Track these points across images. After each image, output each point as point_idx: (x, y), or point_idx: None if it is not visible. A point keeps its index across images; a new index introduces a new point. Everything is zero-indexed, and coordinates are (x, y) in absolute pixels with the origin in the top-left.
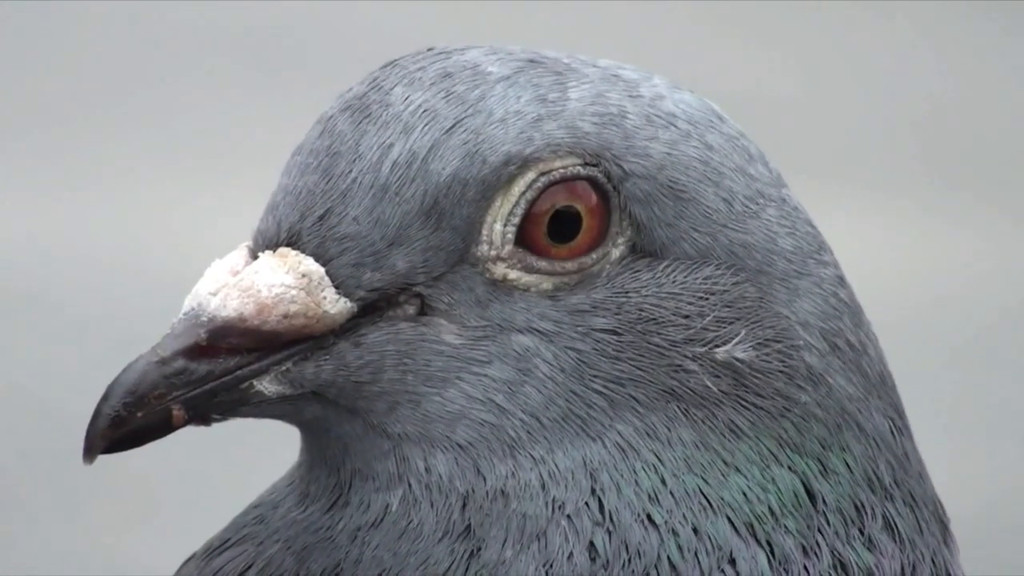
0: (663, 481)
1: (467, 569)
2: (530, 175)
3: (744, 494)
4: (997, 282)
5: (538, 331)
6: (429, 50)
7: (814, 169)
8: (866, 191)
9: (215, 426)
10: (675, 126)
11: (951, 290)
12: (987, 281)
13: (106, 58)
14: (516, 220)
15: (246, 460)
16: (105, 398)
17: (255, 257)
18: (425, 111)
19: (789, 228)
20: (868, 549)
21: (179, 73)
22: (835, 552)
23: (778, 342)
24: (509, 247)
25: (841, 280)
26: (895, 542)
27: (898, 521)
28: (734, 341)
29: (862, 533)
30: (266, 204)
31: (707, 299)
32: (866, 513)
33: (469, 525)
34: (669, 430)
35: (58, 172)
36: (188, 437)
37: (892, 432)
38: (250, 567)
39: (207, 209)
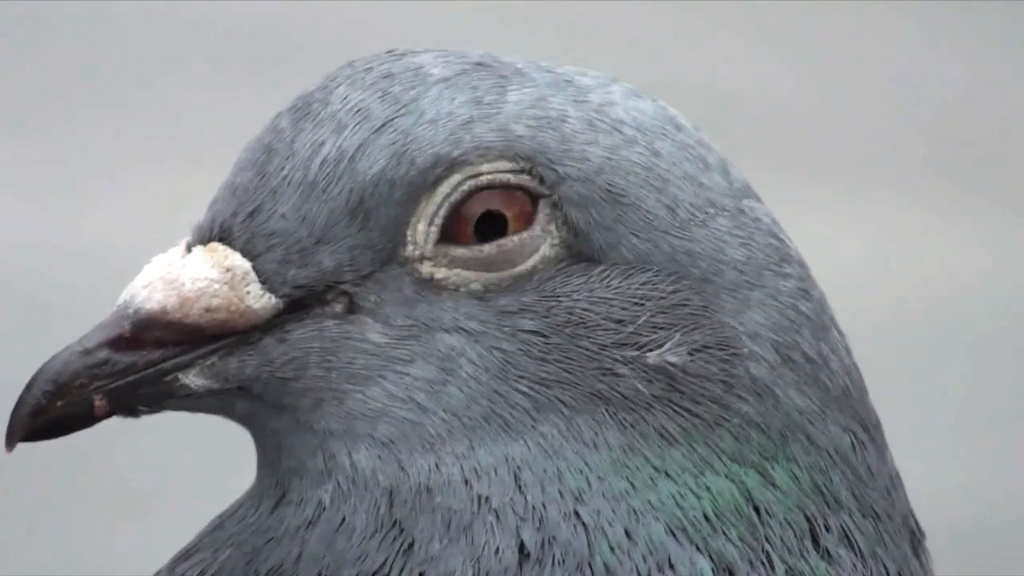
0: (588, 482)
1: (404, 564)
2: (456, 177)
3: (675, 499)
4: (1002, 282)
5: (464, 330)
6: (389, 52)
7: (813, 169)
8: (867, 191)
9: (206, 426)
10: (620, 132)
11: (955, 290)
12: (992, 280)
13: (110, 57)
14: (439, 221)
15: (236, 461)
16: (28, 387)
17: (190, 252)
18: (359, 110)
19: (743, 239)
20: (825, 561)
21: (182, 73)
22: (787, 564)
23: (720, 349)
24: (431, 246)
25: (804, 293)
26: (855, 555)
27: (856, 534)
28: (667, 346)
29: (817, 545)
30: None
31: (641, 304)
32: (818, 525)
33: (397, 520)
34: (596, 433)
35: (56, 171)
36: (180, 438)
37: (852, 445)
38: (203, 573)
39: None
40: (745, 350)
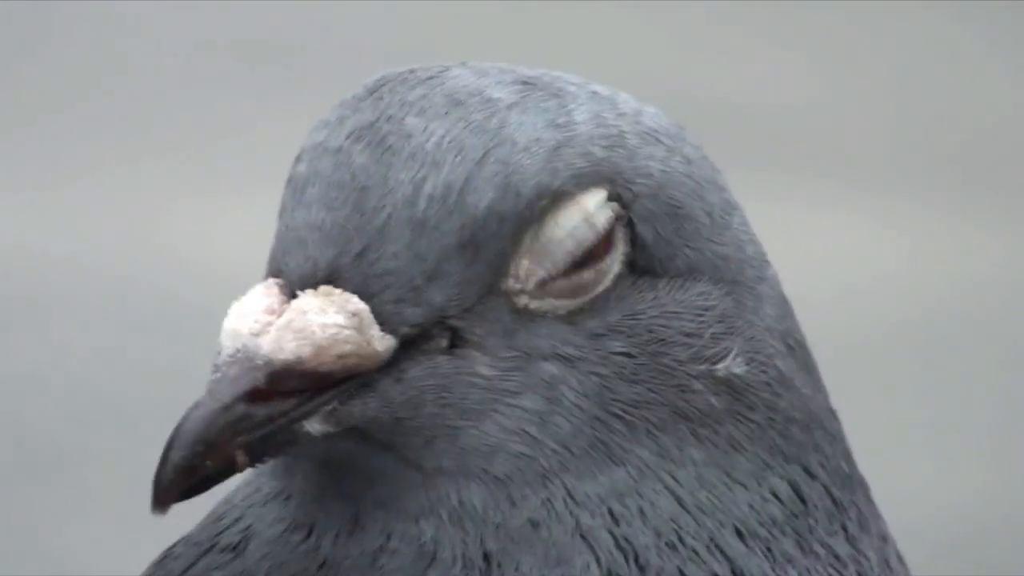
0: (680, 502)
1: None
2: (568, 211)
3: (750, 506)
4: (997, 281)
5: (562, 357)
6: (411, 72)
7: (809, 169)
8: (863, 190)
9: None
10: (661, 143)
11: (947, 289)
12: (985, 279)
13: (109, 60)
14: (545, 262)
15: None
16: (171, 447)
17: (291, 295)
18: (451, 142)
19: (748, 234)
20: (848, 543)
21: (179, 79)
22: (828, 547)
23: (758, 352)
24: (533, 285)
25: (776, 276)
26: (868, 532)
27: (865, 509)
28: (730, 356)
29: (845, 530)
30: (282, 239)
31: (703, 315)
32: (844, 509)
33: (494, 553)
34: (680, 451)
35: (51, 178)
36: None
37: (835, 424)
38: None
39: (199, 221)
40: (771, 347)
